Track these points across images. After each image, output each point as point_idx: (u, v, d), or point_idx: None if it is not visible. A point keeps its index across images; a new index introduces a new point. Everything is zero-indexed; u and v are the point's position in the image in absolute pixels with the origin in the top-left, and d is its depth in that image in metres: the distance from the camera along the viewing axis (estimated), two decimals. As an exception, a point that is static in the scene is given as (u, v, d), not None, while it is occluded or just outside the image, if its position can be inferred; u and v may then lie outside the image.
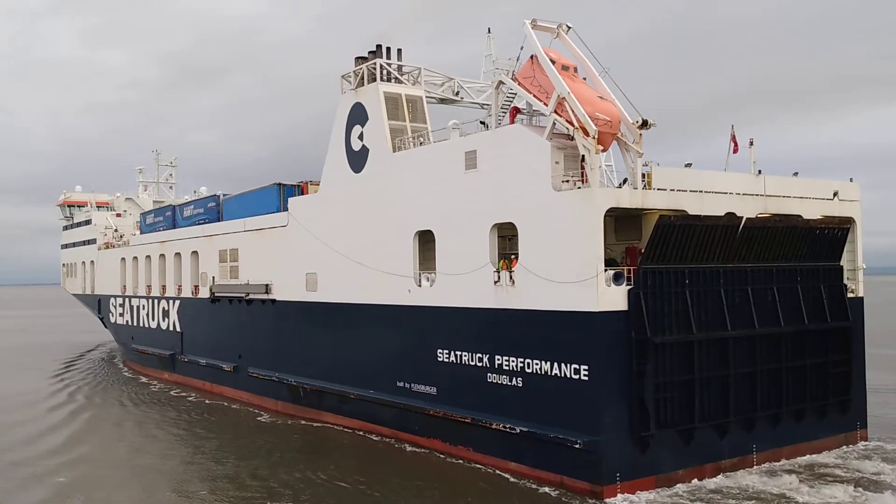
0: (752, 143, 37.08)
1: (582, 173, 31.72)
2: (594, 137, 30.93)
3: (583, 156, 31.32)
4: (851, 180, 41.09)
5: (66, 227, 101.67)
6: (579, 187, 31.53)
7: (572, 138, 31.89)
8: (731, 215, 33.94)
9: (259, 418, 49.89)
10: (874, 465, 35.33)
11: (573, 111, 31.49)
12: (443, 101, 47.52)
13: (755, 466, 34.83)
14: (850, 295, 39.48)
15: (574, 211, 31.49)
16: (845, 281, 39.62)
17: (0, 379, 70.05)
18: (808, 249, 37.06)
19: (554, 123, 32.56)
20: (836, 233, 38.07)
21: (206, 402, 56.73)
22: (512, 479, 33.73)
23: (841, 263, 38.94)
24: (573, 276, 31.42)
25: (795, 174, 38.61)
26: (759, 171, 36.81)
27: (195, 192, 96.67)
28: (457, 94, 47.24)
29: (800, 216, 37.24)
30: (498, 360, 35.16)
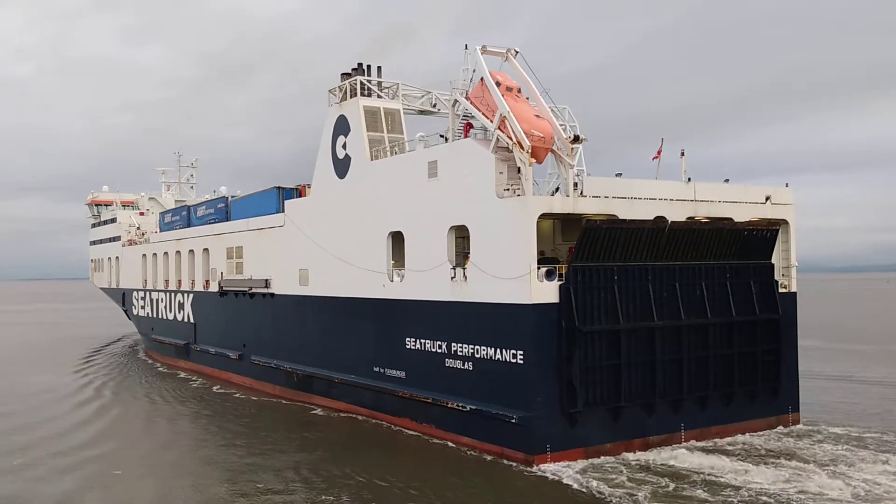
0: (682, 154, 41.22)
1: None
2: (528, 151, 35.35)
3: (519, 167, 35.75)
4: (787, 185, 44.96)
5: (93, 225, 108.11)
6: (519, 195, 35.97)
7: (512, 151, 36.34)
8: (659, 219, 38.12)
9: (313, 412, 50.35)
10: (793, 444, 39.20)
11: (512, 128, 35.95)
12: (422, 112, 52.04)
13: (683, 443, 38.97)
14: (782, 290, 43.36)
15: (512, 215, 35.95)
16: (780, 277, 43.65)
17: (46, 371, 75.77)
18: (738, 249, 41.03)
19: (497, 138, 37.01)
20: (765, 234, 42.01)
21: (253, 397, 57.15)
22: (465, 451, 38.33)
23: (772, 261, 42.88)
24: (512, 273, 35.89)
25: (726, 181, 42.60)
26: (689, 179, 40.89)
27: (214, 191, 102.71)
28: (434, 105, 51.67)
29: (730, 219, 41.26)
30: (454, 346, 39.73)
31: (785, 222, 44.01)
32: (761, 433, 41.49)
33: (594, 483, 32.31)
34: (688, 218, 39.95)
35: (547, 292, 35.54)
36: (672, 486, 31.91)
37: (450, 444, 39.77)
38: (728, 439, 40.04)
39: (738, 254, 41.16)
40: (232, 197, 70.62)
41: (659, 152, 40.82)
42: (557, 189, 37.19)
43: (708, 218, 40.72)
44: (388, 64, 51.16)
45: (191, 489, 33.52)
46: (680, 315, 38.79)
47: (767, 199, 43.42)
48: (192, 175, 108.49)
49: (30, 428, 46.92)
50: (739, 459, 35.82)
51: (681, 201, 40.15)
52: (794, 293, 44.44)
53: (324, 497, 31.60)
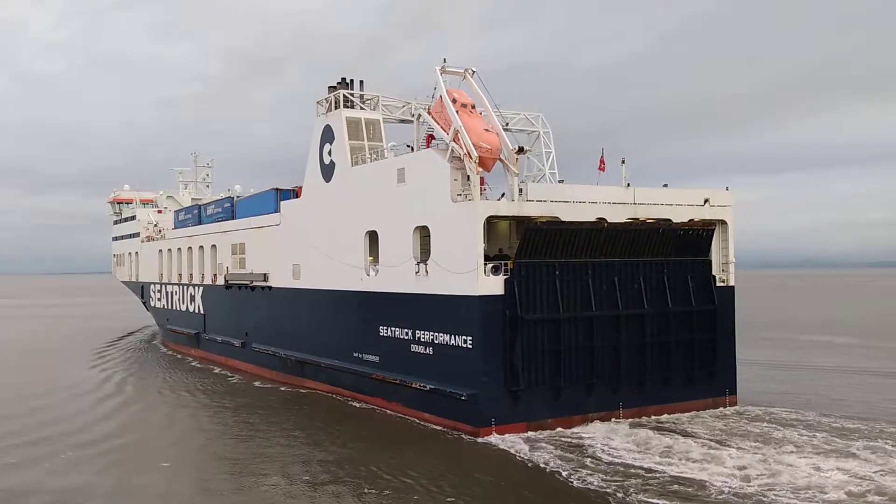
0: (623, 162, 45.75)
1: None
2: (476, 161, 40.23)
3: (468, 175, 40.65)
4: (727, 189, 49.31)
5: (115, 222, 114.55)
6: (469, 199, 40.86)
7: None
8: (599, 220, 42.78)
9: (353, 404, 50.82)
10: (722, 423, 43.65)
11: (463, 140, 40.84)
12: (402, 121, 56.98)
13: (622, 420, 43.59)
14: (720, 284, 47.79)
15: (463, 218, 40.88)
16: (720, 272, 48.11)
17: (81, 357, 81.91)
18: (675, 247, 45.53)
19: (452, 149, 41.91)
20: (700, 233, 46.47)
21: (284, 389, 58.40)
22: (424, 425, 43.35)
23: (709, 258, 47.33)
24: (463, 268, 40.82)
25: (665, 185, 47.09)
26: (629, 184, 45.40)
27: (228, 190, 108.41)
28: (413, 115, 56.46)
29: (669, 220, 45.78)
30: (418, 333, 44.75)
31: (723, 222, 48.43)
32: (697, 413, 45.95)
33: (528, 451, 37.14)
34: (628, 219, 44.54)
35: (493, 285, 40.40)
36: (589, 456, 36.69)
37: (414, 419, 44.83)
38: (666, 417, 44.46)
39: (675, 251, 45.63)
40: (237, 197, 76.25)
41: (602, 161, 45.47)
42: (503, 194, 41.95)
43: (650, 219, 45.27)
44: (413, 58, 56.04)
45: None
46: (618, 306, 43.42)
47: (706, 201, 47.83)
48: (207, 174, 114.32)
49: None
50: (660, 433, 40.36)
51: (621, 204, 44.72)
52: (732, 287, 48.82)
53: (303, 477, 36.60)
